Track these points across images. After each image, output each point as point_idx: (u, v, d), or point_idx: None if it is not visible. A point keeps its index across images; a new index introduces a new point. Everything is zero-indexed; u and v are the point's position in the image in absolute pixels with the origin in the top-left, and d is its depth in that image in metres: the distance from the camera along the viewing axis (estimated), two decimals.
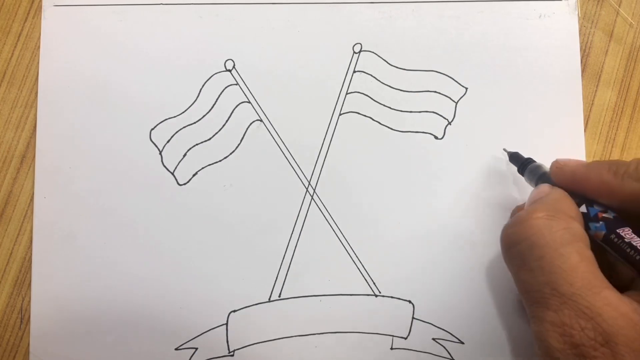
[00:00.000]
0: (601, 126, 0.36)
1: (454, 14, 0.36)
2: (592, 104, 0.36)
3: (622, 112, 0.36)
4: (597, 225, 0.25)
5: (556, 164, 0.28)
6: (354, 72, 0.35)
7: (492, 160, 0.35)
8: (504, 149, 0.34)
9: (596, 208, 0.26)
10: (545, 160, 0.34)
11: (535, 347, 0.24)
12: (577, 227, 0.25)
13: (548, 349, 0.23)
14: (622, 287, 0.24)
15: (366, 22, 0.36)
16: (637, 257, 0.23)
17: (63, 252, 0.34)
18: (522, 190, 0.34)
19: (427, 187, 0.34)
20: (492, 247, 0.34)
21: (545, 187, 0.28)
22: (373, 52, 0.36)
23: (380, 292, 0.34)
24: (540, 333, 0.23)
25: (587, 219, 0.26)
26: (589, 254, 0.24)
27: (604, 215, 0.25)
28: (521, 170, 0.31)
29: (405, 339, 0.33)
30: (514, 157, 0.32)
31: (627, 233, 0.24)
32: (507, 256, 0.26)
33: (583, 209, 0.26)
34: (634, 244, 0.24)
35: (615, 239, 0.24)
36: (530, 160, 0.31)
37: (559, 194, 0.27)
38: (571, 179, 0.27)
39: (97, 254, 0.34)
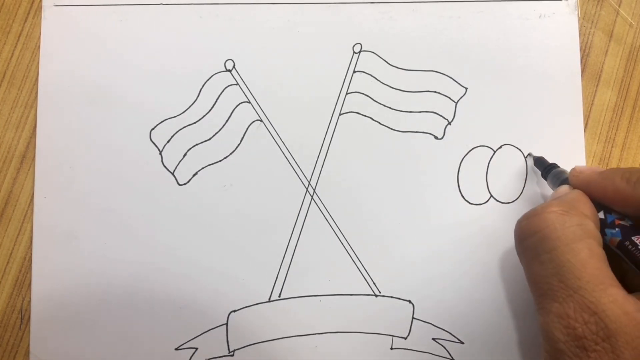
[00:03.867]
0: (601, 126, 0.36)
1: (454, 14, 0.36)
2: (592, 104, 0.36)
3: (622, 112, 0.36)
4: (613, 231, 0.26)
5: (573, 172, 0.29)
6: (354, 72, 0.35)
7: (493, 160, 0.35)
8: (529, 153, 0.34)
9: (614, 215, 0.26)
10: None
11: (542, 338, 0.25)
12: (591, 225, 0.25)
13: (552, 340, 0.23)
14: (631, 291, 0.24)
15: (366, 22, 0.36)
16: None
17: (63, 252, 0.34)
18: (522, 188, 0.34)
19: (427, 187, 0.34)
20: (493, 247, 0.34)
21: (564, 188, 0.29)
22: (373, 52, 0.36)
23: (380, 292, 0.34)
24: (545, 324, 0.24)
25: (603, 225, 0.26)
26: (600, 251, 0.24)
27: (621, 222, 0.26)
28: (545, 175, 0.32)
29: (405, 339, 0.33)
30: (539, 162, 0.33)
31: None
32: (520, 248, 0.27)
33: (601, 215, 0.26)
34: None
35: (630, 246, 0.25)
36: (554, 165, 0.32)
37: (577, 194, 0.28)
38: (586, 187, 0.28)
39: (97, 254, 0.34)
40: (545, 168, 0.32)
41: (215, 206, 0.34)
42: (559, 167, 0.32)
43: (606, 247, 0.25)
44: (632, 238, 0.25)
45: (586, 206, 0.27)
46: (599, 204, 0.27)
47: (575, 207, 0.26)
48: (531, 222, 0.26)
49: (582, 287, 0.23)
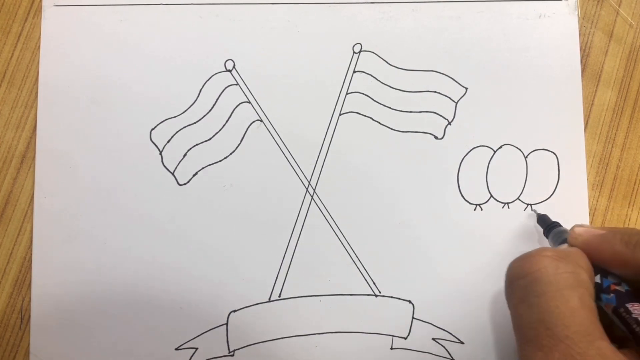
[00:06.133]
0: (601, 126, 0.36)
1: (454, 14, 0.36)
2: (592, 104, 0.36)
3: (622, 112, 0.36)
4: (608, 297, 0.25)
5: (572, 233, 0.28)
6: (354, 72, 0.35)
7: (493, 160, 0.35)
8: (534, 210, 0.34)
9: (610, 279, 0.26)
10: (545, 164, 0.34)
11: None
12: (584, 275, 0.24)
13: None
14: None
15: (366, 22, 0.36)
16: None
17: (63, 252, 0.34)
18: (522, 188, 0.34)
19: (427, 187, 0.34)
20: (493, 247, 0.34)
21: (563, 246, 0.28)
22: (373, 52, 0.36)
23: (380, 292, 0.34)
24: None
25: (599, 290, 0.26)
26: (591, 302, 0.24)
27: (617, 287, 0.25)
28: (546, 233, 0.32)
29: (405, 339, 0.33)
30: (542, 220, 0.32)
31: (636, 308, 0.24)
32: (509, 289, 0.26)
33: (597, 279, 0.26)
34: None
35: (624, 313, 0.24)
36: (556, 224, 0.31)
37: (575, 249, 0.27)
38: (585, 249, 0.27)
39: (97, 254, 0.34)
40: (547, 227, 0.32)
41: (215, 206, 0.34)
42: (561, 226, 0.31)
43: (601, 310, 0.25)
44: (627, 305, 0.24)
45: (583, 260, 0.26)
46: (596, 268, 0.26)
47: (571, 256, 0.25)
48: (524, 264, 0.25)
49: (570, 336, 0.22)
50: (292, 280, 0.34)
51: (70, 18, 0.36)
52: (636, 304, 0.24)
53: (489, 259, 0.34)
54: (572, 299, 0.23)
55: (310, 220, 0.34)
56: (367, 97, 0.35)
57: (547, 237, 0.32)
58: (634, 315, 0.24)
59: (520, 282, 0.25)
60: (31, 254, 0.34)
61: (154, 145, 0.35)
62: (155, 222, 0.34)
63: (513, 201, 0.34)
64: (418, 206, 0.34)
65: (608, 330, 0.24)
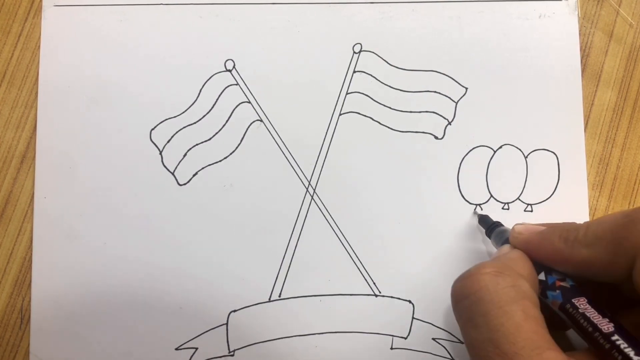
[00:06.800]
0: (601, 126, 0.36)
1: (454, 14, 0.36)
2: (592, 104, 0.36)
3: (622, 112, 0.36)
4: (554, 293, 0.25)
5: (513, 232, 0.28)
6: (354, 72, 0.35)
7: (493, 160, 0.35)
8: (475, 211, 0.34)
9: (554, 276, 0.26)
10: (545, 164, 0.34)
11: None
12: (525, 286, 0.24)
13: None
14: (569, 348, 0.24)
15: (366, 22, 0.36)
16: (589, 329, 0.23)
17: (63, 252, 0.34)
18: (522, 188, 0.34)
19: (427, 187, 0.34)
20: (493, 247, 0.34)
21: (505, 247, 0.28)
22: (373, 52, 0.36)
23: (380, 292, 0.34)
24: None
25: (545, 287, 0.26)
26: (535, 312, 0.23)
27: (562, 283, 0.25)
28: (488, 234, 0.32)
29: (405, 339, 0.33)
30: (483, 220, 0.33)
31: (581, 303, 0.24)
32: (455, 310, 0.26)
33: (542, 276, 0.26)
34: (587, 314, 0.23)
35: (570, 309, 0.24)
36: (497, 224, 0.32)
37: (515, 254, 0.27)
38: (526, 248, 0.27)
39: (97, 254, 0.34)
40: (489, 227, 0.32)
41: (215, 206, 0.34)
42: (502, 225, 0.31)
43: (549, 308, 0.25)
44: (573, 300, 0.24)
45: (523, 266, 0.26)
46: (540, 265, 0.26)
47: (510, 267, 0.25)
48: (465, 284, 0.25)
49: (517, 352, 0.22)
50: (292, 280, 0.34)
51: (70, 18, 0.36)
52: (582, 299, 0.24)
53: (489, 259, 0.34)
54: (516, 313, 0.23)
55: (310, 220, 0.34)
56: (367, 97, 0.35)
57: (489, 237, 0.32)
58: (580, 310, 0.24)
59: (465, 302, 0.25)
60: (31, 254, 0.34)
61: (154, 145, 0.35)
62: (155, 222, 0.34)
63: (513, 201, 0.34)
64: (418, 206, 0.34)
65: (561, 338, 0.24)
